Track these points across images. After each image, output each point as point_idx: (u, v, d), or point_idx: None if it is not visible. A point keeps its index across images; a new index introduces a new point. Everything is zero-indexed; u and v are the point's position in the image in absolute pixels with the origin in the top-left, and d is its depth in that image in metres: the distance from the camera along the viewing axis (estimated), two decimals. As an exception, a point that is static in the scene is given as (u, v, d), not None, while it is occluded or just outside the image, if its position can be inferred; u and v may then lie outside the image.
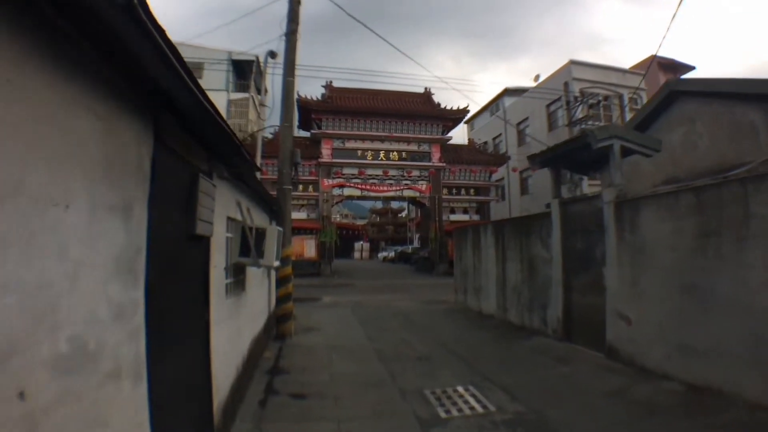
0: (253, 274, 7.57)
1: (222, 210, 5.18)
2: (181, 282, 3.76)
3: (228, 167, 4.98)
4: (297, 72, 11.21)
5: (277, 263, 6.82)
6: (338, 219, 75.41)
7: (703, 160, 12.16)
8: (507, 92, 43.86)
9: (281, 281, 10.17)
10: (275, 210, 10.29)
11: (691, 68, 39.49)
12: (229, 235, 5.81)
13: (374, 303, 16.52)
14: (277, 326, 10.06)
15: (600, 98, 32.93)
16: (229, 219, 5.75)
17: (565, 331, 9.76)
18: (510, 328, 11.68)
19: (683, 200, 6.89)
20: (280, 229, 7.17)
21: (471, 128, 49.50)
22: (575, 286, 9.55)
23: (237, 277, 6.45)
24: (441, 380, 7.30)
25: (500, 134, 43.23)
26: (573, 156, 9.98)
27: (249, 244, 6.00)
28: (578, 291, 9.46)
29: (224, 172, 4.94)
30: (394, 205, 77.61)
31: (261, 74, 43.92)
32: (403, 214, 76.74)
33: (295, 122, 36.84)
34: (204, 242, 4.36)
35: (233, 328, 5.74)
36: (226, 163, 4.87)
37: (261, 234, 6.28)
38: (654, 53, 20.95)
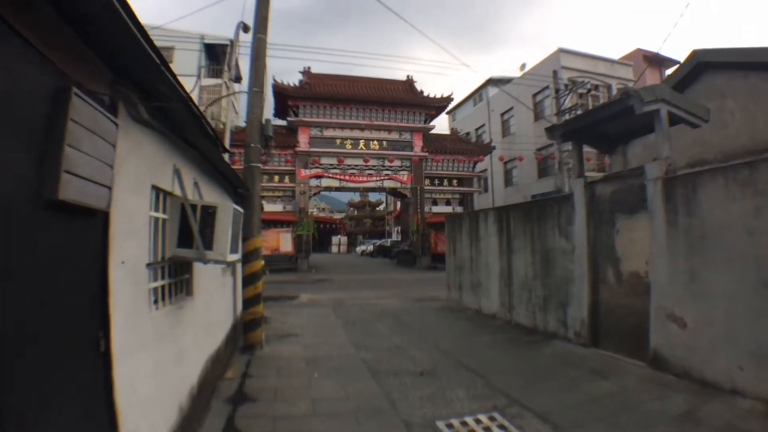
0: (208, 272, 5.72)
1: (144, 174, 3.32)
2: (28, 294, 1.94)
3: (150, 101, 3.11)
4: (274, 53, 9.30)
5: (234, 257, 4.95)
6: (315, 212, 73.51)
7: (734, 140, 10.63)
8: (491, 82, 42.31)
9: (249, 279, 8.27)
10: (241, 192, 8.44)
11: (676, 62, 38.45)
12: (160, 215, 3.94)
13: (357, 301, 14.71)
14: (244, 335, 8.20)
15: (589, 87, 31.55)
16: (159, 191, 3.87)
17: (591, 336, 8.12)
18: (518, 330, 10.01)
19: (764, 173, 5.25)
20: (239, 208, 5.28)
21: (453, 119, 47.94)
22: (605, 281, 7.89)
23: (177, 277, 4.60)
24: (455, 404, 5.59)
25: (483, 125, 41.77)
26: (603, 126, 8.31)
27: (194, 230, 4.14)
28: (609, 288, 7.80)
29: (144, 111, 3.08)
30: (373, 198, 76.20)
31: (236, 60, 41.89)
32: (382, 207, 75.11)
33: (271, 110, 34.98)
34: (94, 220, 2.51)
35: (169, 352, 3.87)
36: (147, 93, 3.02)
37: (211, 216, 4.39)
38: (639, 47, 19.53)
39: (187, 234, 4.13)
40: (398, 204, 70.63)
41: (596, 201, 8.20)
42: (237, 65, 41.34)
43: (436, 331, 10.02)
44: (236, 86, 41.72)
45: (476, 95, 45.13)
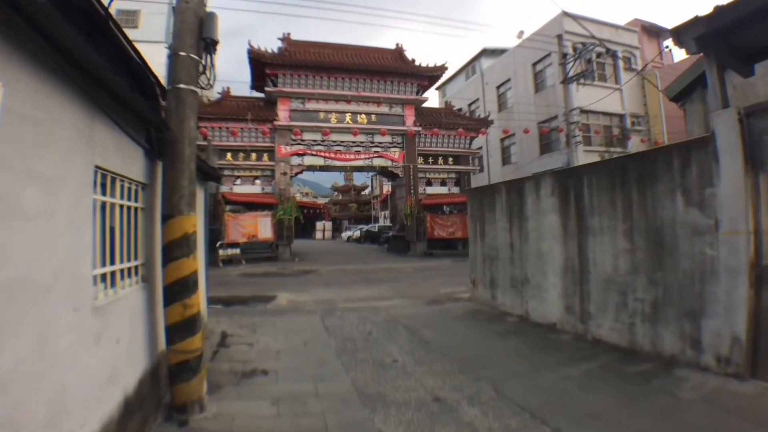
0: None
1: None
2: None
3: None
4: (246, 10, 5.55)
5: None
6: (299, 197, 69.60)
7: None
8: (484, 53, 38.56)
9: (174, 291, 4.48)
10: (155, 127, 4.67)
11: None
12: None
13: (353, 304, 10.99)
14: (171, 389, 4.50)
15: (599, 52, 27.99)
16: None
17: (751, 362, 4.62)
18: (605, 352, 6.40)
19: None
20: None
21: (443, 94, 44.11)
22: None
23: None
24: None
25: (477, 99, 38.05)
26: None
27: None
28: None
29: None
30: (358, 181, 72.37)
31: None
32: (367, 191, 71.38)
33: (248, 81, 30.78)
34: None
35: None
36: None
37: None
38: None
39: None
40: (384, 188, 67.26)
41: (761, 145, 4.62)
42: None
43: (481, 358, 6.36)
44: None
45: (468, 68, 41.32)
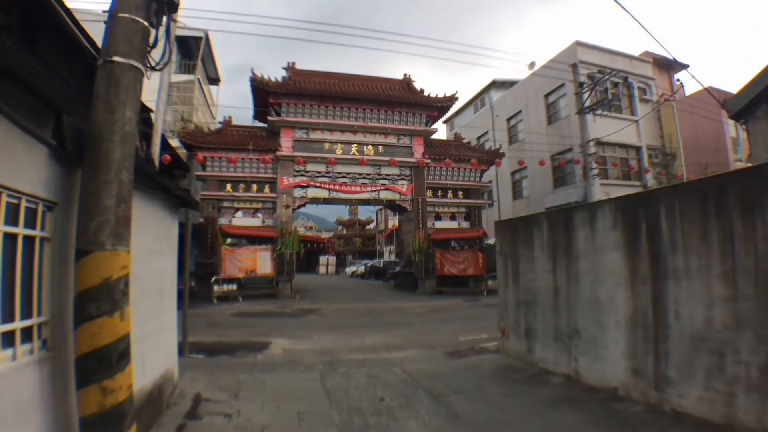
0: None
1: None
2: None
3: None
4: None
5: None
6: (302, 231, 68.10)
7: None
8: (494, 85, 37.50)
9: (85, 366, 2.83)
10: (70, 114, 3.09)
11: (685, 66, 34.03)
12: None
13: (360, 355, 9.23)
14: None
15: (617, 81, 26.78)
16: None
17: None
18: (696, 429, 4.73)
19: None
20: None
21: (450, 128, 42.99)
22: None
23: None
24: None
25: (486, 132, 36.85)
26: None
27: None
28: None
29: None
30: (362, 215, 70.83)
31: (213, 58, 36.57)
32: (372, 225, 69.80)
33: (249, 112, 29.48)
34: None
35: None
36: None
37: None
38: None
39: None
40: (390, 222, 65.72)
41: None
42: (214, 63, 36.20)
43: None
44: (213, 89, 36.59)
45: (477, 100, 40.28)
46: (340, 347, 9.98)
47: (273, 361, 8.69)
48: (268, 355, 9.20)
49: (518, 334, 8.58)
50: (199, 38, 29.76)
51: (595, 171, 26.40)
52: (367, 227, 70.13)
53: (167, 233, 6.44)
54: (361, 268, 48.67)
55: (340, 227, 72.66)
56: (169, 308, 6.53)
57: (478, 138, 37.05)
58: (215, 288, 19.87)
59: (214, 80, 36.52)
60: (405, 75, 29.39)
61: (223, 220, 23.91)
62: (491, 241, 29.19)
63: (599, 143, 26.61)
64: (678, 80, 34.36)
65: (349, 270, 54.15)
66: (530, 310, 8.21)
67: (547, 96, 31.19)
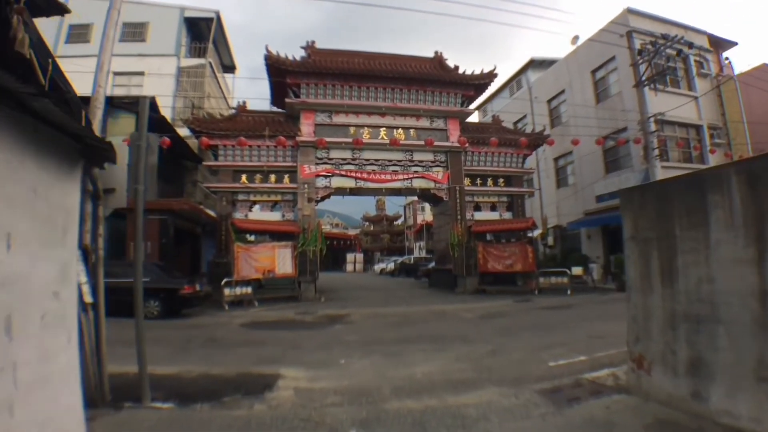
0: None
1: None
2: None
3: None
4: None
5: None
6: (328, 228, 65.13)
7: None
8: (532, 65, 33.77)
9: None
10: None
11: (734, 44, 30.06)
12: None
13: (413, 401, 5.72)
14: None
15: (679, 49, 22.85)
16: None
17: None
18: None
19: None
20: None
21: (483, 114, 39.28)
22: None
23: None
24: None
25: (524, 116, 33.09)
26: None
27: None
28: None
29: None
30: (390, 211, 67.47)
31: (227, 43, 33.51)
32: (400, 221, 66.42)
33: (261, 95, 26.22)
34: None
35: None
36: None
37: None
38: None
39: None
40: (419, 217, 62.21)
41: None
42: (228, 49, 33.17)
43: None
44: (228, 76, 33.58)
45: (513, 83, 36.57)
46: (381, 384, 6.59)
47: (277, 413, 5.35)
48: (271, 403, 5.84)
49: (672, 368, 5.10)
50: (210, 19, 26.76)
51: (656, 152, 22.61)
52: (395, 223, 66.75)
53: (43, 202, 3.17)
54: (391, 266, 45.34)
55: (367, 223, 69.35)
56: (58, 346, 3.28)
57: (515, 123, 33.35)
58: (226, 292, 16.71)
59: (229, 68, 33.48)
60: (436, 53, 25.93)
61: (237, 215, 20.83)
62: (535, 233, 25.58)
63: (659, 121, 22.81)
64: (726, 58, 30.35)
65: (377, 267, 50.87)
66: (701, 329, 4.73)
67: (594, 72, 27.42)
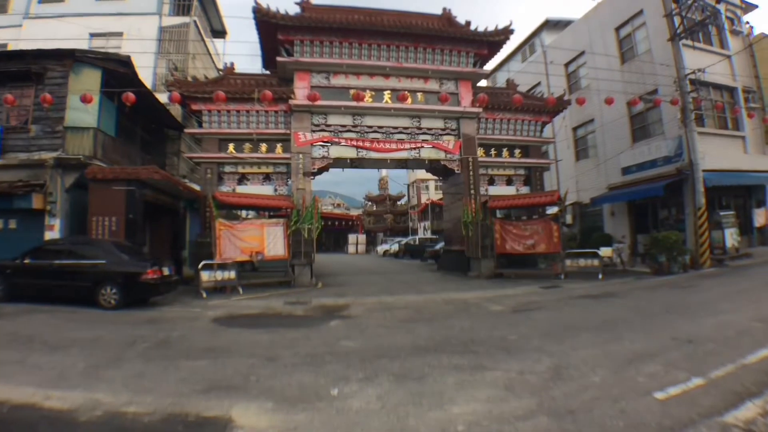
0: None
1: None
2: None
3: None
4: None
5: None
6: (330, 209, 62.31)
7: None
8: (547, 26, 30.48)
9: None
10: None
11: (754, 7, 26.78)
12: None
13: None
14: None
15: (700, 4, 19.62)
16: None
17: None
18: None
19: None
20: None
21: (492, 82, 35.96)
22: None
23: None
24: None
25: (538, 83, 29.85)
26: None
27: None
28: None
29: None
30: (393, 190, 64.53)
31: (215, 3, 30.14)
32: (403, 201, 63.49)
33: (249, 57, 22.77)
34: None
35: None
36: None
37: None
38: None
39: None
40: (423, 196, 59.22)
41: None
42: (217, 10, 29.80)
43: None
44: (218, 42, 30.33)
45: (525, 47, 33.26)
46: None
47: None
48: None
49: None
50: (195, -27, 23.53)
51: (693, 115, 19.57)
52: (399, 203, 63.74)
53: None
54: (395, 247, 42.46)
55: (369, 203, 66.31)
56: None
57: (528, 90, 30.15)
58: (204, 276, 13.88)
59: (219, 33, 30.15)
60: (444, 9, 22.70)
61: (224, 189, 17.94)
62: (551, 210, 22.52)
63: (693, 82, 19.73)
64: (747, 22, 27.11)
65: (380, 249, 48.02)
66: None
67: (618, 29, 24.21)
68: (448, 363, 6.18)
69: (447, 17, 22.26)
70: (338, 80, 19.48)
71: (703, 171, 18.74)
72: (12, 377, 5.31)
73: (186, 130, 20.12)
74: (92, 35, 22.11)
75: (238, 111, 18.34)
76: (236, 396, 4.94)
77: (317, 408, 4.61)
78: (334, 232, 58.58)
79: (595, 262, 17.28)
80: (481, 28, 20.70)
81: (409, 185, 62.53)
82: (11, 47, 19.97)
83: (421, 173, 47.83)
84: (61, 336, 7.67)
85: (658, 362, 5.96)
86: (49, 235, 14.02)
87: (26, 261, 11.39)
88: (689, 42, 20.31)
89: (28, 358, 6.18)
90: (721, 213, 19.71)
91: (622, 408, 4.51)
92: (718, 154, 20.00)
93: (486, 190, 21.02)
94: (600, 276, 16.55)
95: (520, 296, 13.08)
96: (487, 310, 10.86)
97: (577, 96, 25.12)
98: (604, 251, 19.02)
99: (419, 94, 20.07)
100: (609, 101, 16.95)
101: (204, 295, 13.44)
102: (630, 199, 22.72)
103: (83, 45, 19.63)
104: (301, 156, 18.45)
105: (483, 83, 36.24)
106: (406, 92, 18.67)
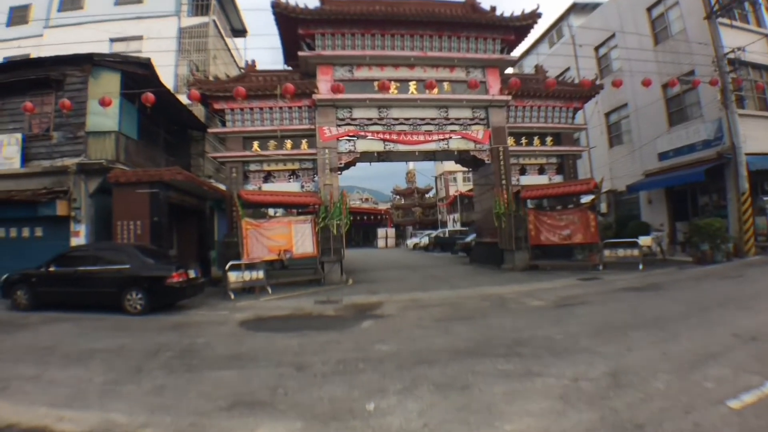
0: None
1: None
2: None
3: None
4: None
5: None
6: (358, 204, 62.02)
7: None
8: (574, 9, 29.41)
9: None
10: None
11: None
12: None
13: None
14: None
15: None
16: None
17: None
18: None
19: None
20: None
21: (520, 70, 34.96)
22: None
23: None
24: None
25: (568, 68, 28.85)
26: None
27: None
28: None
29: None
30: (421, 183, 63.87)
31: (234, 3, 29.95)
32: (431, 193, 62.76)
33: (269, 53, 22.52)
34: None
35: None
36: None
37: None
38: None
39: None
40: (451, 188, 58.42)
41: None
42: (237, 10, 29.57)
43: None
44: (239, 41, 30.10)
45: (552, 32, 32.22)
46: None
47: None
48: None
49: None
50: (214, -28, 23.28)
51: (733, 96, 18.47)
52: (426, 196, 63.02)
53: None
54: (424, 240, 41.87)
55: (398, 197, 65.76)
56: None
57: (557, 77, 29.15)
58: (231, 277, 13.57)
59: (240, 32, 29.90)
60: (468, -4, 21.92)
61: (250, 187, 17.65)
62: (585, 199, 21.55)
63: (732, 61, 18.61)
64: None
65: (410, 242, 47.48)
66: None
67: (650, 9, 23.07)
68: (492, 369, 5.63)
69: (471, 3, 21.45)
70: (362, 72, 18.98)
71: (746, 154, 17.72)
72: (26, 395, 4.99)
73: (209, 130, 19.88)
74: (112, 40, 22.11)
75: (261, 108, 18.02)
76: (262, 413, 4.50)
77: (352, 427, 4.13)
78: (363, 226, 58.19)
79: (635, 251, 16.43)
80: (507, 13, 19.92)
81: (436, 178, 61.78)
82: (33, 57, 20.03)
83: (449, 165, 47.11)
84: (82, 346, 7.38)
85: (723, 364, 5.32)
86: (74, 242, 13.92)
87: (50, 269, 11.23)
88: (726, 20, 19.25)
89: (45, 372, 5.87)
90: (765, 198, 18.65)
91: (695, 421, 3.92)
92: (760, 137, 18.85)
93: (517, 179, 20.26)
94: (641, 266, 15.72)
95: (559, 290, 12.42)
96: (526, 305, 10.26)
97: (610, 80, 24.19)
98: (644, 240, 18.12)
99: (446, 84, 19.46)
100: (646, 83, 16.00)
101: (232, 296, 13.14)
102: (668, 186, 21.68)
103: (104, 50, 19.57)
104: (327, 151, 18.03)
105: (509, 71, 35.36)
106: (433, 80, 18.05)
